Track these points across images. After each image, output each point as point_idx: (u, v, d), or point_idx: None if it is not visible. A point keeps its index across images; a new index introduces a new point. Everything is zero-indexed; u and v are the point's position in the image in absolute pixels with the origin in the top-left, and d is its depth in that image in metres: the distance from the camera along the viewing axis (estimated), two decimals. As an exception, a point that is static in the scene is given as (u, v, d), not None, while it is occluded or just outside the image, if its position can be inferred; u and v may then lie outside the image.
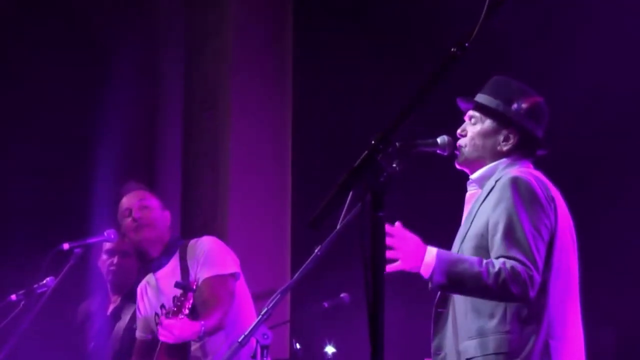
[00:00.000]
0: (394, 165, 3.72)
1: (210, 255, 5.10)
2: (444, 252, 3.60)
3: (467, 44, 2.77)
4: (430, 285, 3.59)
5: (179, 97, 7.66)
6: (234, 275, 5.06)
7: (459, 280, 3.54)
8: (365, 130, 2.97)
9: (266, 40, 7.43)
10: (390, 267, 3.57)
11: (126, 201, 5.37)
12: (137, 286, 5.93)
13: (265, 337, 3.77)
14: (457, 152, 3.87)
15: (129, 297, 5.96)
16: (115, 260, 5.95)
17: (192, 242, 5.24)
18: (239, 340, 3.57)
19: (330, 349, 5.31)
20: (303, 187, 5.54)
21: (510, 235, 3.58)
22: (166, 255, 5.24)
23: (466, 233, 3.74)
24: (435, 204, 4.80)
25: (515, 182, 3.65)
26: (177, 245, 5.26)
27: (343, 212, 3.37)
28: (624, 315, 5.53)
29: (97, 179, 7.45)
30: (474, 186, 3.87)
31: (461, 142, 3.87)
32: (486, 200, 3.72)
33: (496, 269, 3.51)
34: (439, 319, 3.77)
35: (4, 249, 7.17)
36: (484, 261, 3.55)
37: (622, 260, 5.60)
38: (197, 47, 7.53)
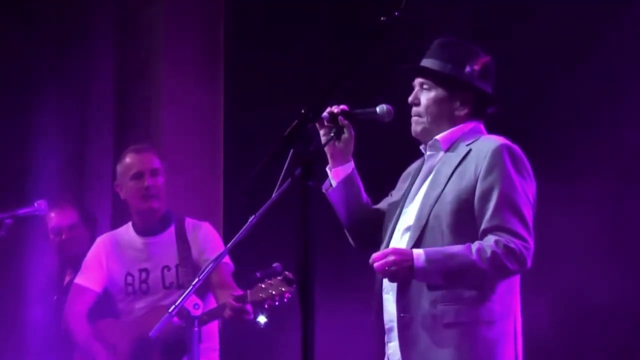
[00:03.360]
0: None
1: (218, 243, 5.12)
2: (431, 251, 3.54)
3: (396, 13, 2.78)
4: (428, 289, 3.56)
5: (110, 67, 7.59)
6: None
7: (454, 276, 3.52)
8: (300, 95, 2.96)
9: (198, 8, 7.39)
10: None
11: (138, 162, 5.20)
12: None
13: (197, 307, 3.76)
14: (412, 122, 3.81)
15: None
16: (64, 236, 5.91)
17: (192, 221, 5.21)
18: (170, 310, 3.56)
19: (262, 319, 5.32)
20: (236, 157, 5.52)
21: (506, 204, 3.56)
22: (161, 225, 5.18)
23: (439, 195, 3.65)
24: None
25: (508, 150, 3.63)
26: (172, 218, 5.22)
27: (279, 181, 3.36)
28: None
29: (28, 148, 7.36)
30: (434, 148, 3.81)
31: (416, 111, 3.81)
32: (463, 164, 3.67)
33: (488, 253, 3.49)
34: (404, 281, 3.63)
35: None
36: (473, 247, 3.52)
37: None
38: (127, 17, 7.47)
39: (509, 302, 3.65)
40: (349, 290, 5.24)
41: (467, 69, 3.75)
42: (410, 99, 3.82)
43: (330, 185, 3.84)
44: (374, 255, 3.54)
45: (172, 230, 5.18)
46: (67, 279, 5.95)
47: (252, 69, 6.89)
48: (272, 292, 4.43)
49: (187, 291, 3.61)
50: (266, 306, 4.48)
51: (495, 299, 3.60)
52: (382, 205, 3.97)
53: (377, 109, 3.70)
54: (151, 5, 7.34)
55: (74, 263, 5.92)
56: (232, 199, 6.70)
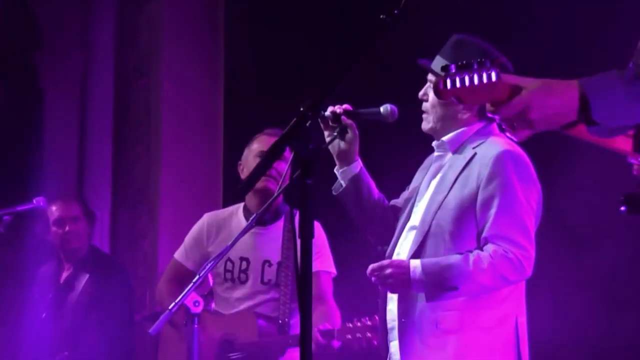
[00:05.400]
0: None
1: (324, 249, 4.95)
2: (428, 263, 3.52)
3: (396, 11, 2.76)
4: (426, 300, 3.55)
5: (110, 64, 7.59)
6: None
7: (452, 287, 3.49)
8: (302, 93, 2.94)
9: (199, 5, 7.40)
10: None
11: (266, 144, 5.00)
12: (88, 253, 5.89)
13: (197, 304, 3.75)
14: (423, 117, 3.79)
15: (81, 265, 5.93)
16: (67, 227, 5.91)
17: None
18: (170, 307, 3.55)
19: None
20: (234, 155, 5.48)
21: (507, 212, 3.52)
22: (273, 216, 5.02)
23: (443, 200, 3.63)
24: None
25: (511, 157, 3.58)
26: (283, 210, 5.06)
27: (281, 180, 3.35)
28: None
29: (27, 148, 7.38)
30: (442, 149, 3.79)
31: (424, 107, 3.78)
32: (467, 169, 3.63)
33: (485, 265, 3.47)
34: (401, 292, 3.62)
35: None
36: (470, 258, 3.49)
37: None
38: (129, 14, 7.47)
39: (510, 307, 3.62)
40: (357, 288, 5.23)
41: None
42: (420, 94, 3.80)
43: (340, 186, 3.83)
44: (371, 266, 3.53)
45: (281, 223, 5.02)
46: (64, 275, 5.96)
47: (252, 67, 6.89)
48: (358, 336, 4.39)
49: (188, 288, 3.59)
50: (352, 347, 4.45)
51: (496, 305, 3.58)
52: (399, 200, 3.95)
53: (381, 109, 3.67)
54: (151, 2, 7.34)
55: (73, 258, 5.93)
56: (231, 197, 6.69)
